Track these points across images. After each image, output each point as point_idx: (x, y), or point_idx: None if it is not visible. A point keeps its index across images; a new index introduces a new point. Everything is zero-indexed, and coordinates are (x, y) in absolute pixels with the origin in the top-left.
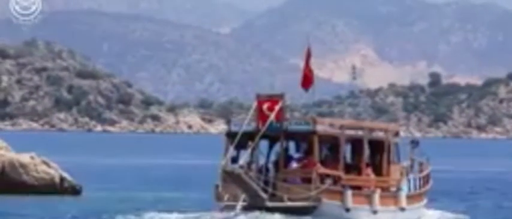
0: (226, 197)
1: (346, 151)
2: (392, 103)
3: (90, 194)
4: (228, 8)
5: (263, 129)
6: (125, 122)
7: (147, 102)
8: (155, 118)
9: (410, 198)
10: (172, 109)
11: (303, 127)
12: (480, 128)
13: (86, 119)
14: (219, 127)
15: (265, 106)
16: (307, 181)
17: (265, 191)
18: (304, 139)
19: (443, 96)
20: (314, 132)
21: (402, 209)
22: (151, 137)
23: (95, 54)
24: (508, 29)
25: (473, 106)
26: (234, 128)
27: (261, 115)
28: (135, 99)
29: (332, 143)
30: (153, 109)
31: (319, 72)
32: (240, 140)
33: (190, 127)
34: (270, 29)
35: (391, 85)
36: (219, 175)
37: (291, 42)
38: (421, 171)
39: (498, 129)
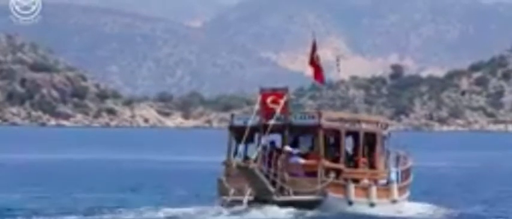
0: (231, 191)
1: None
2: (353, 96)
3: None
4: (199, 1)
5: (270, 123)
6: (79, 116)
7: (103, 96)
8: (111, 111)
9: (399, 190)
10: (129, 103)
11: (308, 121)
12: (442, 120)
13: (40, 113)
14: (176, 120)
15: (269, 99)
16: (313, 174)
17: (274, 185)
18: (308, 132)
19: (405, 88)
20: (319, 126)
21: (394, 201)
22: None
23: (65, 48)
24: (477, 21)
25: (435, 99)
26: (236, 122)
27: (265, 109)
28: (90, 92)
29: (331, 136)
30: (109, 103)
31: (291, 65)
32: (243, 134)
33: (146, 120)
34: (241, 23)
35: (353, 78)
36: (223, 170)
37: (263, 35)
38: (400, 164)
39: (460, 121)
